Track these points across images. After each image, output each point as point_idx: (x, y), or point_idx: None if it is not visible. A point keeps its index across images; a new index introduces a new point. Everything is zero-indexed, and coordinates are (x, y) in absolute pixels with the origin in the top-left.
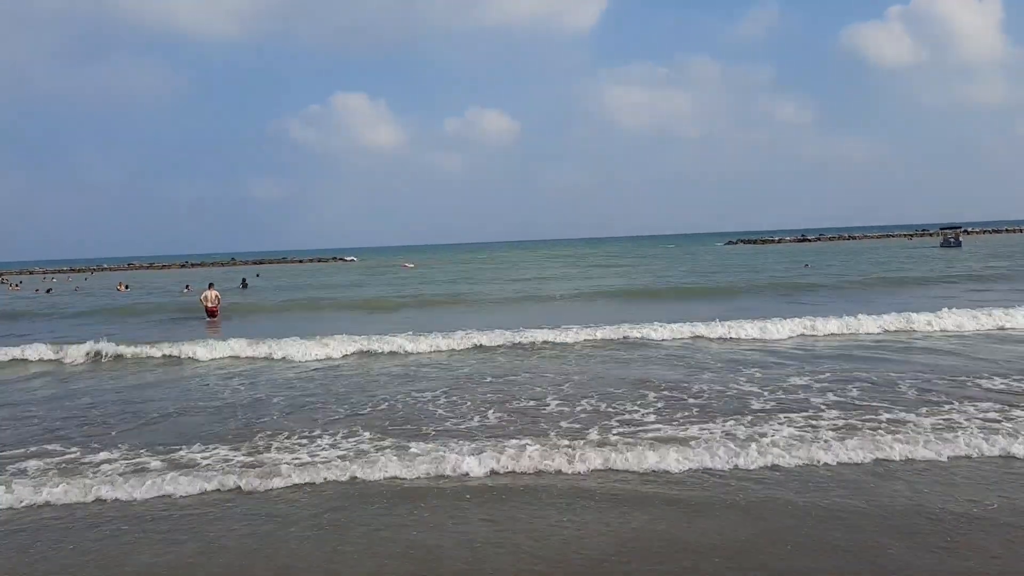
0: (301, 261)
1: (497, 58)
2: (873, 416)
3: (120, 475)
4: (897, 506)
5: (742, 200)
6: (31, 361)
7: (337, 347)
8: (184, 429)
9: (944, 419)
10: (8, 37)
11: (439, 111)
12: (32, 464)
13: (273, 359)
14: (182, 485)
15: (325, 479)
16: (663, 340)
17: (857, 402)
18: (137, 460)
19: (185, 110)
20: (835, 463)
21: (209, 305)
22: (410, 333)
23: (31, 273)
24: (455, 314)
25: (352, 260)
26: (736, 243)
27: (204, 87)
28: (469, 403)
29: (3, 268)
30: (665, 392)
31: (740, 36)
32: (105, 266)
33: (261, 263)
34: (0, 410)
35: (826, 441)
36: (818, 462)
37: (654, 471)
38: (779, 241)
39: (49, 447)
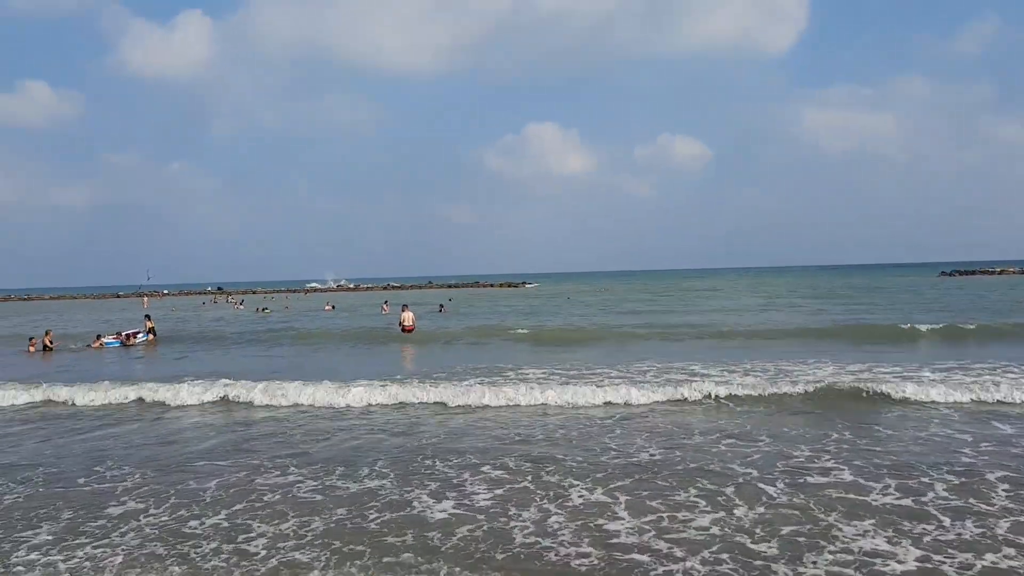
0: (491, 285)
1: (689, 84)
2: None
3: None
4: None
5: (957, 227)
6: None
7: (520, 393)
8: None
9: None
10: (240, 78)
11: (629, 138)
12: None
13: (448, 406)
14: None
15: None
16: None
17: None
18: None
19: (388, 141)
20: None
21: (406, 324)
22: (598, 377)
23: (254, 293)
24: (643, 347)
25: (535, 286)
26: (953, 274)
27: (406, 119)
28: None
29: (230, 288)
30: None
31: (956, 53)
32: (317, 286)
33: (453, 287)
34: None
35: None
36: None
37: None
38: (1000, 272)
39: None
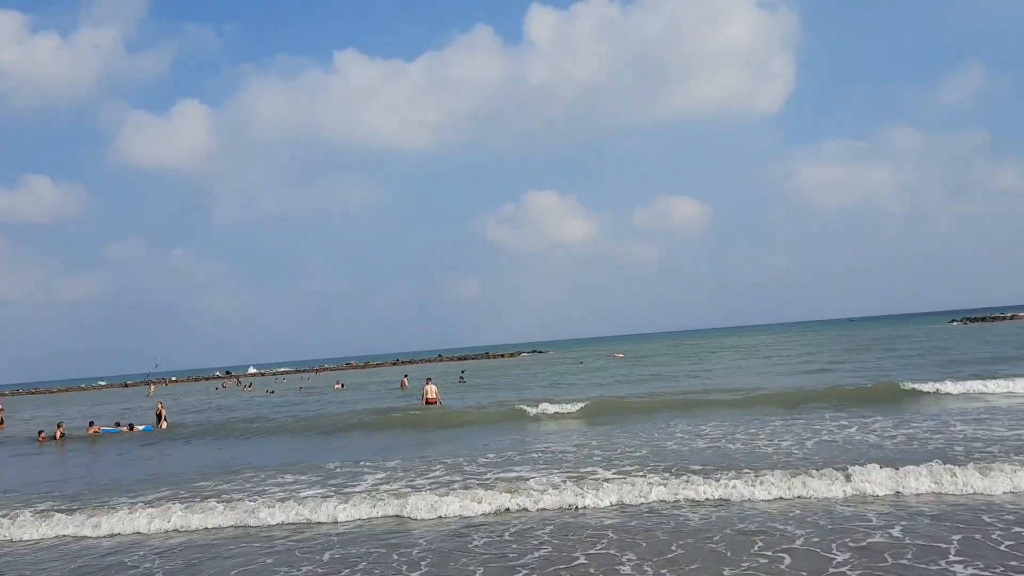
0: (502, 356)
1: (683, 146)
2: None
3: None
4: None
5: (963, 276)
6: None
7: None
8: None
9: None
10: (239, 164)
11: (628, 202)
12: None
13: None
14: None
15: None
16: None
17: None
18: None
19: (389, 217)
20: None
21: (429, 397)
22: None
23: (263, 375)
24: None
25: (524, 355)
26: (964, 321)
27: (405, 195)
28: None
29: (238, 371)
30: None
31: (944, 103)
32: (326, 366)
33: (464, 359)
34: None
35: None
36: None
37: None
38: (1012, 318)
39: None
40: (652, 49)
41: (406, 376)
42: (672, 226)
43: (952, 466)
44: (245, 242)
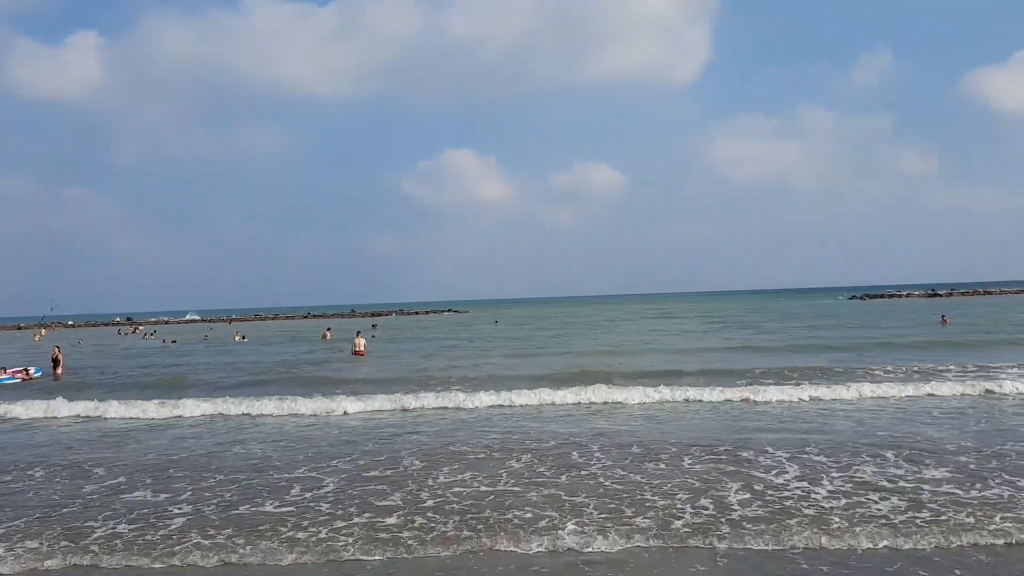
0: (416, 313)
1: (602, 112)
2: None
3: None
4: None
5: (864, 253)
6: None
7: None
8: None
9: None
10: (140, 102)
11: (546, 165)
12: None
13: None
14: None
15: None
16: None
17: None
18: None
19: (302, 167)
20: None
21: (358, 349)
22: None
23: (166, 323)
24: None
25: (467, 312)
26: (862, 298)
27: (319, 145)
28: None
29: (139, 319)
30: None
31: (852, 85)
32: (233, 317)
33: (378, 315)
34: None
35: None
36: None
37: None
38: (907, 295)
39: None
40: (573, 10)
41: (328, 329)
42: (589, 192)
43: None
44: (147, 185)
